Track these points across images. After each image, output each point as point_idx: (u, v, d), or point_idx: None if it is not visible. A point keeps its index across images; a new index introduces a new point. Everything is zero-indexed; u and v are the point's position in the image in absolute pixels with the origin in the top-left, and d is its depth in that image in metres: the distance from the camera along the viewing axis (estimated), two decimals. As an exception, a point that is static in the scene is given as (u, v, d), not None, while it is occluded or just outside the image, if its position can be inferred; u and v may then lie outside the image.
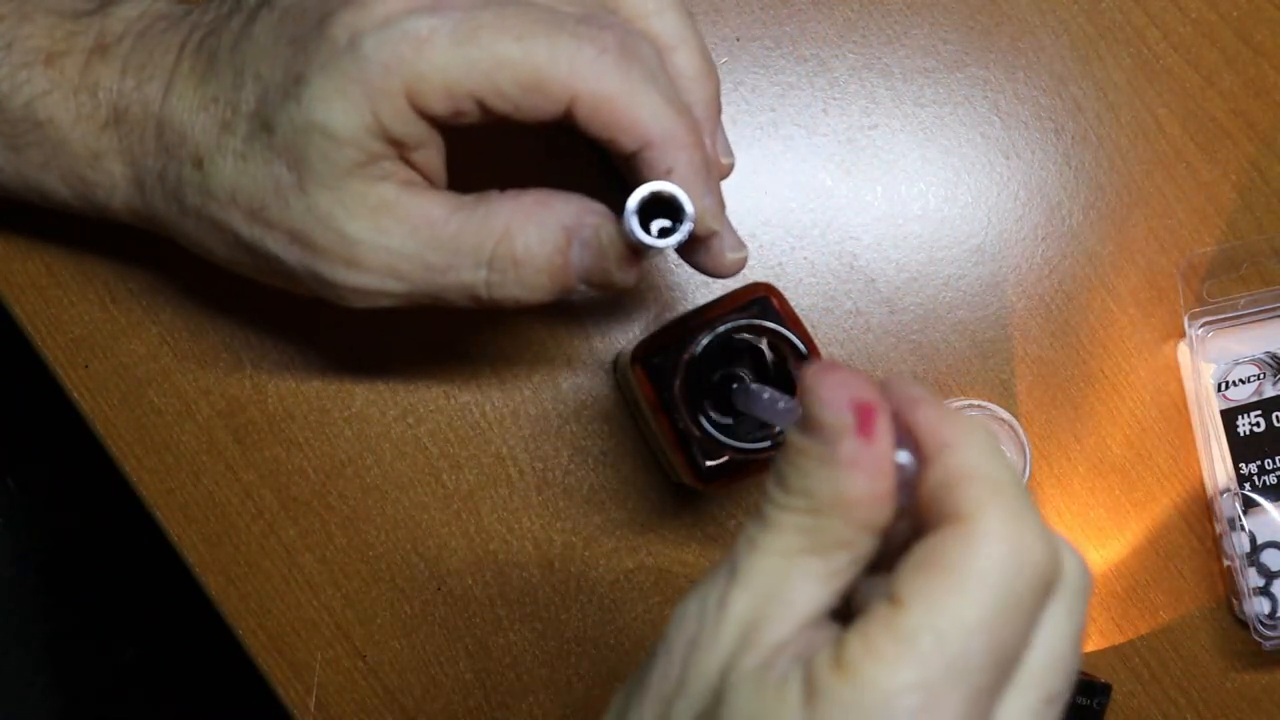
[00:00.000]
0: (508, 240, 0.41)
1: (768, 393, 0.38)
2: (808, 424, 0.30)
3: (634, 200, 0.39)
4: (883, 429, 0.30)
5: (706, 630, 0.31)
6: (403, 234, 0.41)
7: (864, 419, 0.30)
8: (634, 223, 0.39)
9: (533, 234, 0.41)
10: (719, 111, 0.46)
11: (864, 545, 0.31)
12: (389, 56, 0.39)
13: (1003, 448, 0.31)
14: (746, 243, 0.54)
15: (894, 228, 0.55)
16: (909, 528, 0.31)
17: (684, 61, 0.44)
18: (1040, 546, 0.29)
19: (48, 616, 1.05)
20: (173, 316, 0.53)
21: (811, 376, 0.30)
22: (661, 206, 0.39)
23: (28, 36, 0.44)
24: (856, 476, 0.30)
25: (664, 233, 0.39)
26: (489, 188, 0.43)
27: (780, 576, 0.31)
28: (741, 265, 0.44)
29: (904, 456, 0.31)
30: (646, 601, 0.54)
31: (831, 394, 0.30)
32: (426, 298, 0.43)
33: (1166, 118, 0.56)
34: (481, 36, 0.39)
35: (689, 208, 0.39)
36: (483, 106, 0.40)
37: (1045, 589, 0.30)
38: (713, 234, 0.43)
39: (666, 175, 0.40)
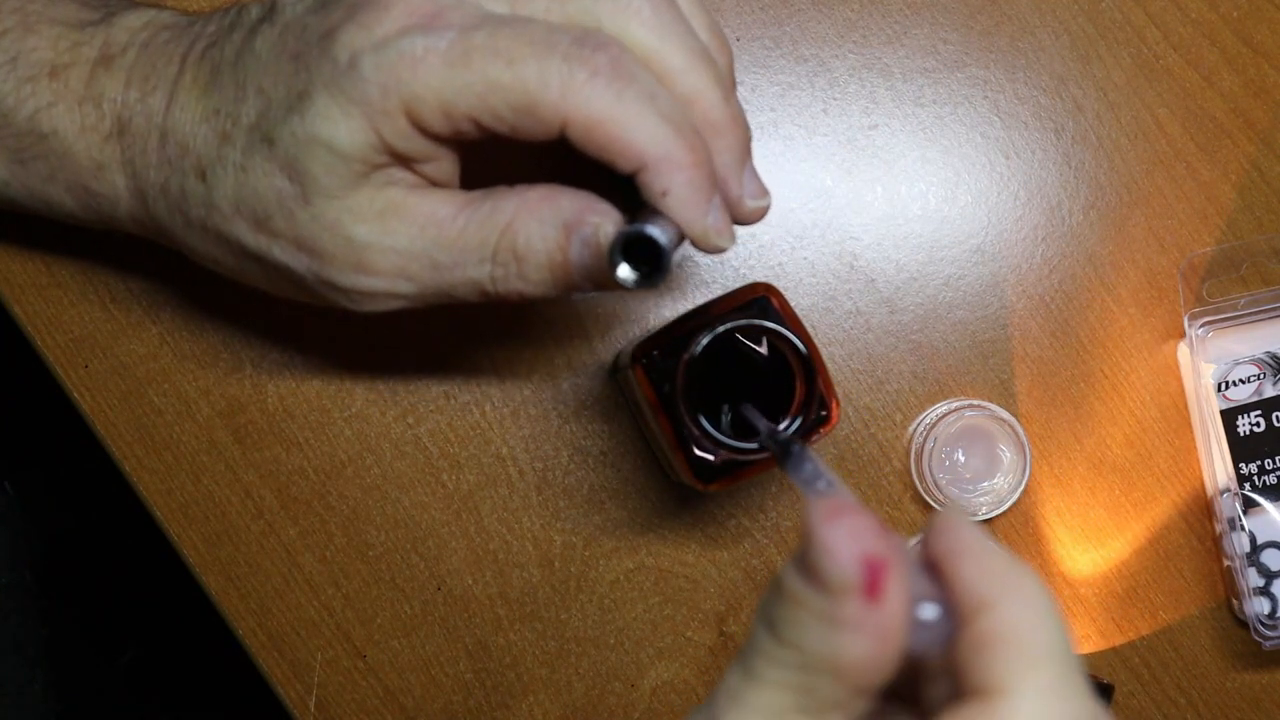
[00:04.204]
0: (510, 234, 0.41)
1: (810, 463, 0.34)
2: (809, 570, 0.27)
3: (614, 242, 0.38)
4: (895, 590, 0.26)
5: None
6: (410, 234, 0.41)
7: (873, 578, 0.26)
8: (615, 263, 0.38)
9: (534, 228, 0.41)
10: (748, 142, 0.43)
11: (860, 706, 0.28)
12: (386, 78, 0.38)
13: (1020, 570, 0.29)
14: (746, 243, 0.55)
15: (894, 228, 0.55)
16: (948, 685, 0.29)
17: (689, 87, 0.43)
18: None
19: (46, 618, 1.05)
20: (173, 316, 0.53)
21: (819, 517, 0.27)
22: (645, 245, 0.38)
23: (32, 49, 0.44)
24: (857, 640, 0.27)
25: (638, 276, 0.38)
26: (505, 183, 0.43)
27: None
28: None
29: (931, 612, 0.28)
30: (646, 601, 0.54)
31: (839, 544, 0.26)
32: (436, 297, 0.43)
33: (1166, 118, 0.56)
34: (473, 59, 0.38)
35: (665, 255, 0.38)
36: (479, 126, 0.40)
37: None
38: (720, 250, 0.41)
39: (662, 197, 0.39)
